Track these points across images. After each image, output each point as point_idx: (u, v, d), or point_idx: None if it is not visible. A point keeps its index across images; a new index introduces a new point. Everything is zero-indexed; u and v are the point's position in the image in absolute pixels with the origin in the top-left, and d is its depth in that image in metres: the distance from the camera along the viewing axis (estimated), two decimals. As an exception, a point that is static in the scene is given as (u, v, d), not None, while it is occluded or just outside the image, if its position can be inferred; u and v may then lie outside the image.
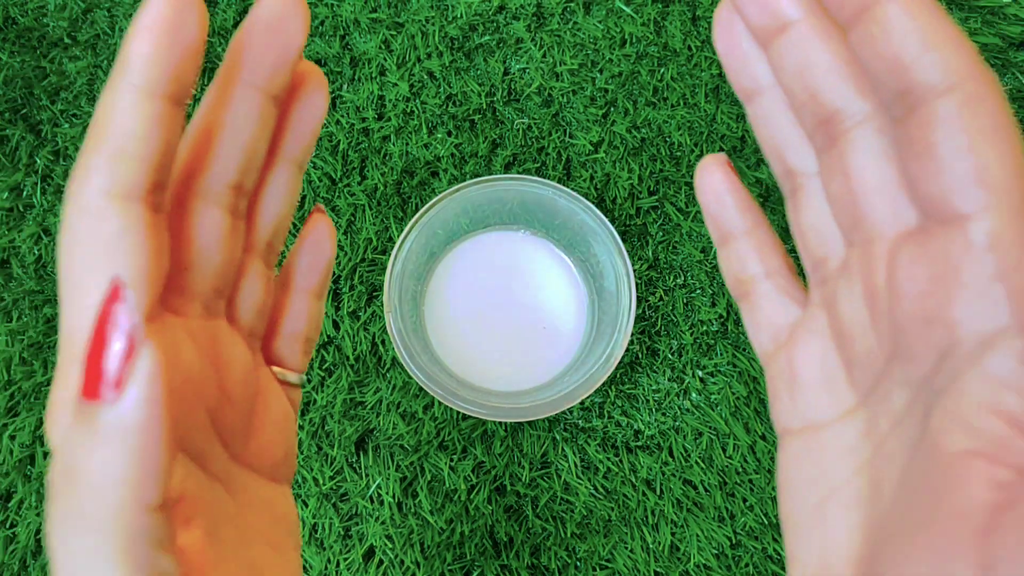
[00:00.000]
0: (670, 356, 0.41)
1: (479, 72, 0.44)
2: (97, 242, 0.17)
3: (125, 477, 0.15)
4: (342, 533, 0.39)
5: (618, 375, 0.41)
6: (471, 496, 0.40)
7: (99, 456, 0.15)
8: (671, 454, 0.40)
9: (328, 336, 0.41)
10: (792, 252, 0.37)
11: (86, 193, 0.17)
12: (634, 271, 0.37)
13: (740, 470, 0.40)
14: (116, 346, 0.15)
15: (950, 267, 0.17)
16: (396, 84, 0.43)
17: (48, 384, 0.41)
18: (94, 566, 0.15)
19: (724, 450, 0.40)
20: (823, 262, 0.22)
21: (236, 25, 0.44)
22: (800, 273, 0.24)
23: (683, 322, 0.41)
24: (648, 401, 0.41)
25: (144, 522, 0.15)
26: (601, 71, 0.43)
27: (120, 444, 0.15)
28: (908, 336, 0.18)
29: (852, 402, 0.20)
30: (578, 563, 0.39)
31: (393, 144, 0.43)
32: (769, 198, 0.42)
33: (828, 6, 0.18)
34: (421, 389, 0.40)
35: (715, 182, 0.24)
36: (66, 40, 0.44)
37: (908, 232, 0.18)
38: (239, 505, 0.21)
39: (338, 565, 0.39)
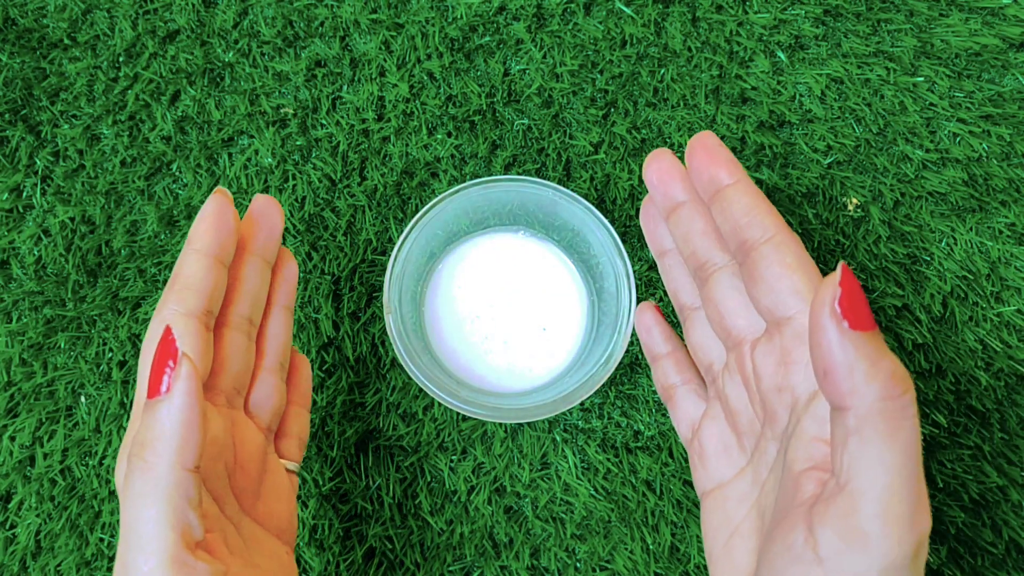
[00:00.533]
0: (670, 357, 0.41)
1: (479, 73, 0.43)
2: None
3: (174, 442, 0.24)
4: (342, 534, 0.39)
5: (618, 376, 0.41)
6: (471, 497, 0.40)
7: (157, 430, 0.24)
8: (671, 455, 0.40)
9: (328, 337, 0.41)
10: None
11: (163, 311, 0.28)
12: (634, 272, 0.37)
13: (740, 471, 0.40)
14: (169, 362, 0.24)
15: (785, 352, 0.26)
16: (396, 85, 0.43)
17: (48, 384, 0.41)
18: (149, 504, 0.23)
19: (724, 451, 0.40)
20: (711, 366, 0.32)
21: (236, 26, 0.44)
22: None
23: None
24: (648, 402, 0.41)
25: (183, 477, 0.24)
26: (601, 72, 0.43)
27: (170, 422, 0.24)
28: (770, 403, 0.27)
29: (743, 462, 0.29)
30: (578, 564, 0.39)
31: (393, 145, 0.43)
32: (769, 198, 0.42)
33: (699, 190, 0.30)
34: (421, 390, 0.40)
35: (647, 319, 0.35)
36: (66, 41, 0.44)
37: (759, 336, 0.28)
38: (247, 542, 0.28)
39: (338, 566, 0.39)
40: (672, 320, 0.40)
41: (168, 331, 0.25)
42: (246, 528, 0.29)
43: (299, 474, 0.39)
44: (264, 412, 0.33)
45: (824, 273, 0.33)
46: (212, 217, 0.30)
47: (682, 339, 0.35)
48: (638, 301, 0.36)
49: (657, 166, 0.31)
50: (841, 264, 0.21)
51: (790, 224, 0.42)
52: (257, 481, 0.31)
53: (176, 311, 0.28)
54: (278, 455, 0.33)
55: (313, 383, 0.40)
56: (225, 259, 0.30)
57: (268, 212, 0.33)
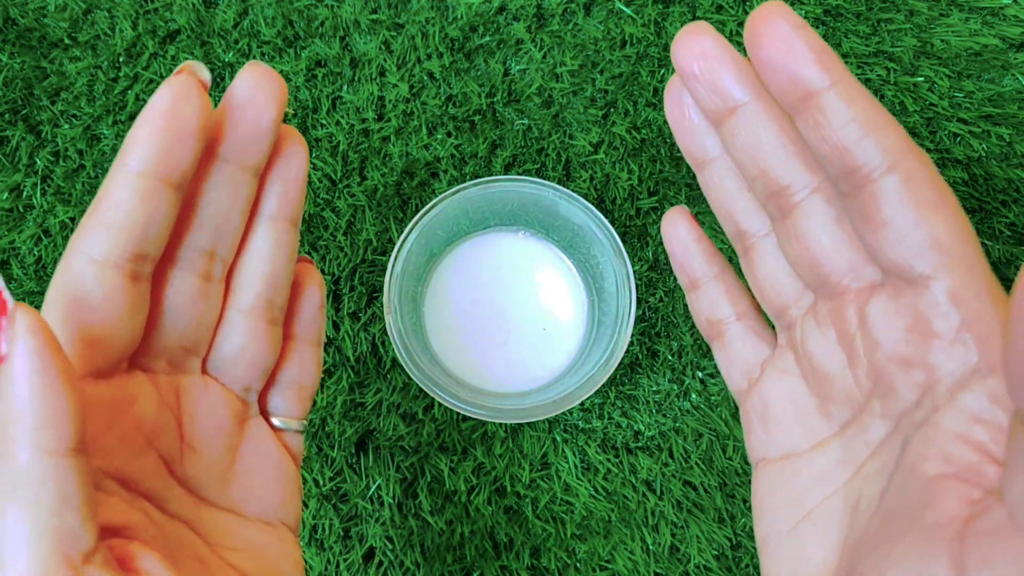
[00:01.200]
0: (670, 357, 0.41)
1: (479, 73, 0.43)
2: (66, 297, 0.20)
3: (26, 420, 0.16)
4: (342, 534, 0.39)
5: (618, 376, 0.41)
6: (471, 497, 0.40)
7: (4, 409, 0.17)
8: (671, 455, 0.40)
9: (328, 337, 0.41)
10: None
11: (72, 257, 0.20)
12: (634, 272, 0.37)
13: (740, 471, 0.40)
14: (2, 321, 0.17)
15: (922, 319, 0.19)
16: (396, 85, 0.43)
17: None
18: (7, 507, 0.16)
19: (724, 451, 0.40)
20: (784, 310, 0.24)
21: (236, 26, 0.44)
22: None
23: (683, 323, 0.41)
24: (648, 402, 0.41)
25: (52, 466, 0.17)
26: (601, 72, 0.43)
27: (16, 396, 0.16)
28: (890, 376, 0.20)
29: (827, 433, 0.22)
30: (578, 564, 0.39)
31: (393, 145, 0.43)
32: (769, 199, 0.42)
33: (773, 92, 0.20)
34: (421, 390, 0.40)
35: (681, 232, 0.26)
36: (66, 41, 0.44)
37: (872, 287, 0.21)
38: (212, 545, 0.22)
39: (338, 566, 0.39)
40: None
41: None
42: (211, 523, 0.23)
43: (305, 435, 0.30)
44: (239, 368, 0.24)
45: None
46: (161, 117, 0.19)
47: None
48: (638, 302, 0.36)
49: (698, 48, 0.21)
50: None
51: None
52: (225, 461, 0.24)
53: (85, 257, 0.20)
54: (267, 413, 0.26)
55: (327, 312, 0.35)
56: (175, 179, 0.20)
57: (253, 95, 0.21)
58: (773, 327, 0.26)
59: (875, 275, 0.21)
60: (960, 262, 0.19)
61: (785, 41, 0.19)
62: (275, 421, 0.26)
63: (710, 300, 0.26)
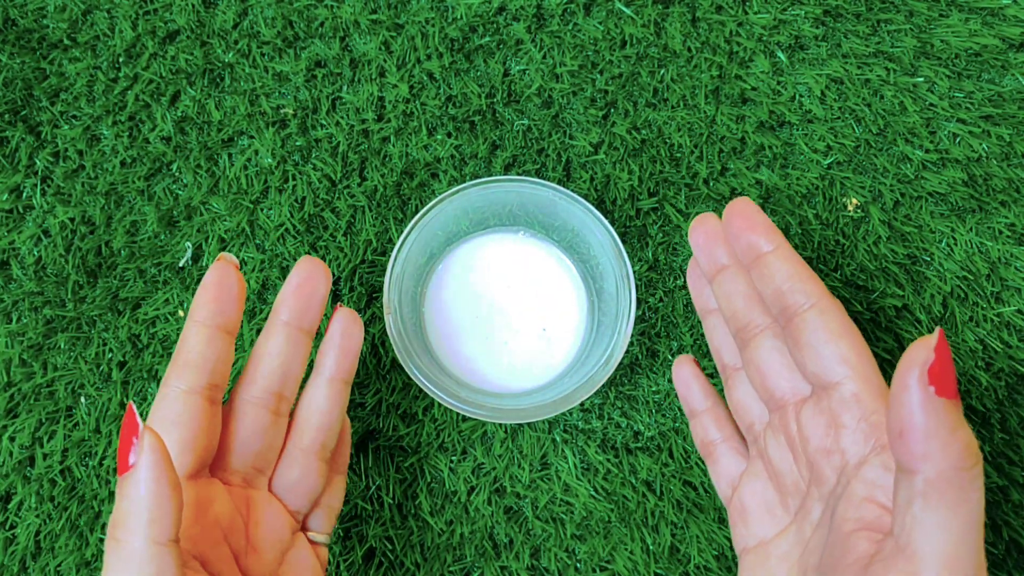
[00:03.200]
0: (670, 357, 0.41)
1: (479, 73, 0.43)
2: (166, 417, 0.28)
3: (143, 516, 0.23)
4: (342, 534, 0.39)
5: (618, 376, 0.41)
6: (471, 497, 0.40)
7: (126, 506, 0.23)
8: (671, 455, 0.40)
9: (328, 337, 0.41)
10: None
11: (165, 388, 0.28)
12: (634, 272, 0.37)
13: (740, 471, 0.40)
14: (133, 439, 0.23)
15: (834, 416, 0.27)
16: (396, 85, 0.43)
17: (48, 385, 0.41)
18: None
19: (724, 451, 0.40)
20: (752, 426, 0.32)
21: (236, 26, 0.44)
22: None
23: (683, 323, 0.41)
24: (648, 402, 0.41)
25: (157, 552, 0.23)
26: (601, 72, 0.43)
27: (137, 497, 0.23)
28: (818, 465, 0.28)
29: (786, 521, 0.30)
30: (578, 564, 0.39)
31: (393, 145, 0.43)
32: (769, 199, 0.42)
33: (738, 254, 0.30)
34: (421, 391, 0.40)
35: (686, 374, 0.36)
36: (66, 41, 0.44)
37: (804, 399, 0.29)
38: None
39: (338, 566, 0.39)
40: (711, 376, 0.40)
41: (130, 409, 0.24)
42: None
43: (330, 546, 0.37)
44: (296, 496, 0.32)
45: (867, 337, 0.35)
46: (213, 287, 0.29)
47: (721, 395, 0.36)
48: (638, 302, 0.36)
49: (703, 229, 0.32)
50: (939, 330, 0.21)
51: (789, 228, 0.42)
52: (277, 562, 0.30)
53: (177, 388, 0.28)
54: (306, 528, 0.33)
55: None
56: (229, 328, 0.29)
57: (307, 279, 0.31)
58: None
59: (806, 390, 0.29)
60: (860, 373, 0.26)
61: (745, 219, 0.30)
62: (311, 535, 0.33)
63: (704, 427, 0.35)
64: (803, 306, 0.28)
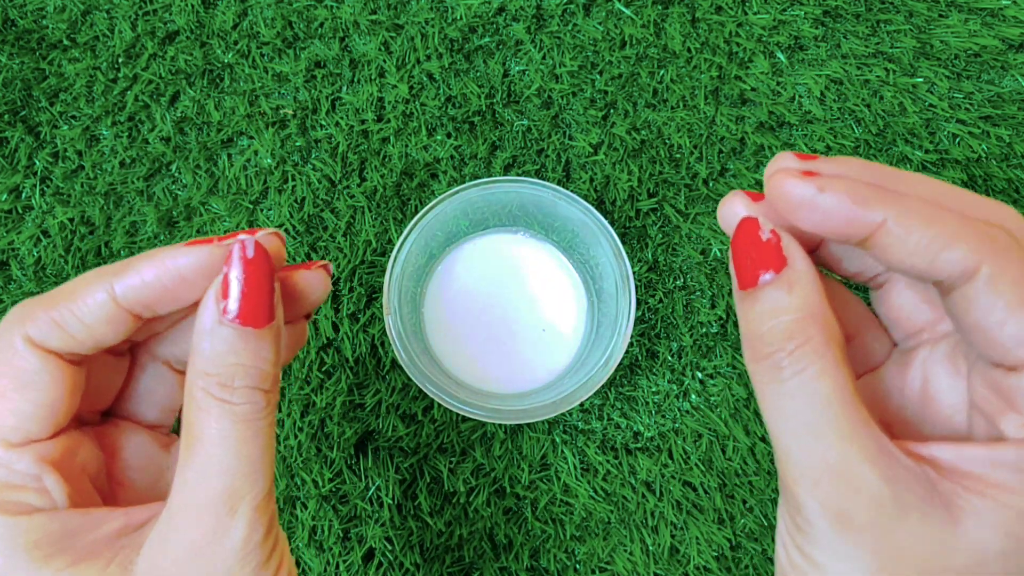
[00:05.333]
0: (670, 358, 0.41)
1: (479, 74, 0.43)
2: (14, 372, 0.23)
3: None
4: (341, 535, 0.39)
5: (617, 377, 0.41)
6: (470, 498, 0.40)
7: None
8: (671, 456, 0.40)
9: (327, 338, 0.41)
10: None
11: (10, 334, 0.22)
12: (634, 273, 0.37)
13: (740, 472, 0.40)
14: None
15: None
16: (395, 86, 0.43)
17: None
18: None
19: (724, 452, 0.40)
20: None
21: (235, 27, 0.44)
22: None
23: (683, 324, 0.41)
24: (647, 403, 0.41)
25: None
26: (601, 73, 0.43)
27: None
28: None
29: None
30: (577, 565, 0.39)
31: (392, 146, 0.43)
32: (769, 200, 0.42)
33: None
34: (420, 391, 0.40)
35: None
36: (65, 42, 0.44)
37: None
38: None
39: (337, 567, 0.39)
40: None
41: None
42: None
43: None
44: (151, 409, 0.28)
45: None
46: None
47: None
48: (638, 303, 0.36)
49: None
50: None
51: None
52: (150, 487, 0.27)
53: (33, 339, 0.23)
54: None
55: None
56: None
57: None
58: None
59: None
60: None
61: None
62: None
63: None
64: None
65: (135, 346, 0.26)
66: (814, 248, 0.23)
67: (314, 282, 0.26)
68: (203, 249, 0.22)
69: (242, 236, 0.23)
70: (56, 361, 0.22)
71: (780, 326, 0.20)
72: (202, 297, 0.22)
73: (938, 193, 0.20)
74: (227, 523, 0.21)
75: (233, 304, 0.21)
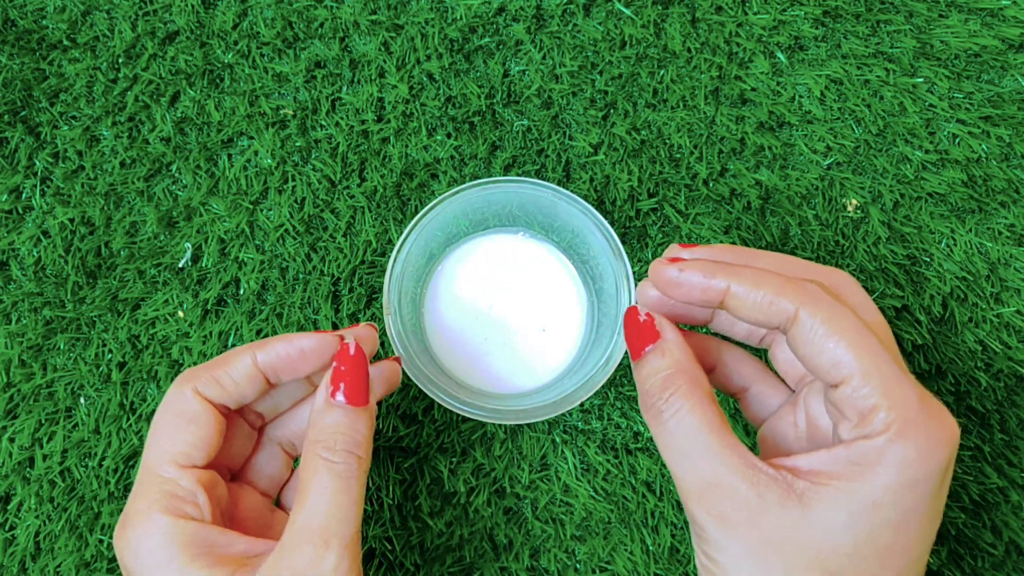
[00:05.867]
0: (670, 358, 0.41)
1: (479, 74, 0.43)
2: (177, 415, 0.30)
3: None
4: (342, 535, 0.39)
5: (617, 377, 0.41)
6: (471, 498, 0.40)
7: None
8: (671, 456, 0.40)
9: (327, 338, 0.41)
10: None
11: (182, 387, 0.30)
12: (633, 273, 0.37)
13: (740, 472, 0.40)
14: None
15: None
16: (396, 86, 0.43)
17: (47, 386, 0.41)
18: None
19: (724, 452, 0.40)
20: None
21: (235, 27, 0.44)
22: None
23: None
24: (648, 403, 0.41)
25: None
26: (601, 73, 0.43)
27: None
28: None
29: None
30: (578, 565, 0.39)
31: (392, 146, 0.43)
32: (768, 200, 0.42)
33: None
34: (421, 392, 0.40)
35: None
36: (65, 42, 0.44)
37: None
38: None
39: (338, 567, 0.39)
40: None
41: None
42: None
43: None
44: (264, 480, 0.35)
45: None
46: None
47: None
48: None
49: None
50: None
51: (789, 228, 0.42)
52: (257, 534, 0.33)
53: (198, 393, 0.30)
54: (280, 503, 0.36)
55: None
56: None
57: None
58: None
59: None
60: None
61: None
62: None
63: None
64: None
65: (261, 428, 0.34)
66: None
67: (391, 374, 0.34)
68: (322, 337, 0.30)
69: (347, 334, 0.31)
70: (213, 408, 0.29)
71: (658, 381, 0.28)
72: (314, 377, 0.32)
73: (781, 265, 0.28)
74: (322, 554, 0.26)
75: (340, 389, 0.29)
